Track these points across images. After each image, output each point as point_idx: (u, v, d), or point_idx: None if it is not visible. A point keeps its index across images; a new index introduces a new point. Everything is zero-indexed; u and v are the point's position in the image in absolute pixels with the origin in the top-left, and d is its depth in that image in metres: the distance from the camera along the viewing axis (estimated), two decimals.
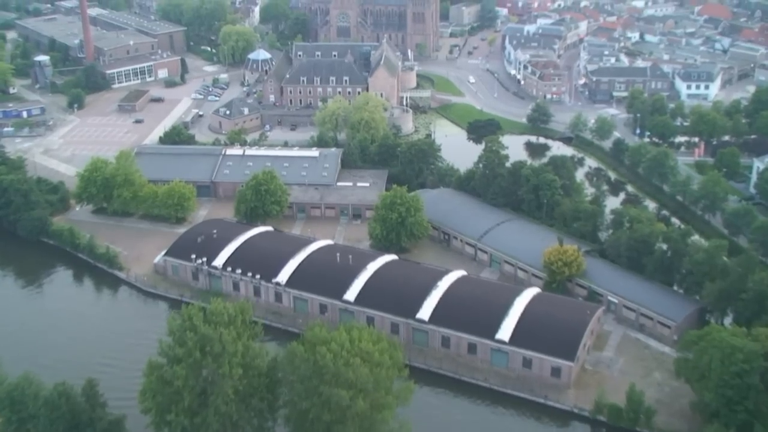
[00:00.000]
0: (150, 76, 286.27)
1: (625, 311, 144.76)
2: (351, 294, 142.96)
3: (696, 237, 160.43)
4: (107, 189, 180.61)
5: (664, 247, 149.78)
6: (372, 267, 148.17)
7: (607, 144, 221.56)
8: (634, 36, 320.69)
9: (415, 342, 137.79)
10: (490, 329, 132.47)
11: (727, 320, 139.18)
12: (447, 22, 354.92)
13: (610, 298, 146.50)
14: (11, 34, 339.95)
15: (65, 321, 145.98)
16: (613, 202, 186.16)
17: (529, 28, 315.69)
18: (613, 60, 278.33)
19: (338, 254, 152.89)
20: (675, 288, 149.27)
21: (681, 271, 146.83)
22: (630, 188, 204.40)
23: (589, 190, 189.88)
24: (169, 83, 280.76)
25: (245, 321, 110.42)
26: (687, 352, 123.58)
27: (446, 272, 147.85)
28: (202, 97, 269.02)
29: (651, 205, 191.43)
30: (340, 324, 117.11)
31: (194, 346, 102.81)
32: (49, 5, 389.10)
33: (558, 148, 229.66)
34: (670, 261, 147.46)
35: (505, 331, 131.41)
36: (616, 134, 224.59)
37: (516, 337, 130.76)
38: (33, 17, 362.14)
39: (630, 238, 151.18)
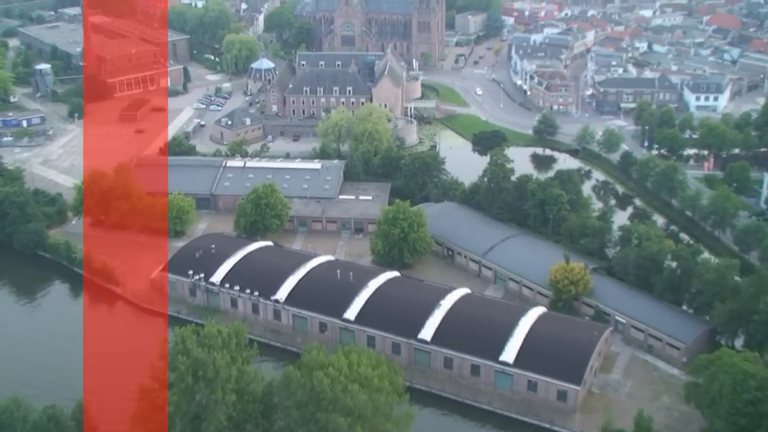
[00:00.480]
0: (152, 85, 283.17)
1: (633, 332, 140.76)
2: (351, 312, 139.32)
3: (705, 255, 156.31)
4: (105, 201, 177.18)
5: (674, 265, 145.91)
6: (373, 284, 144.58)
7: (615, 157, 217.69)
8: (642, 46, 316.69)
9: (416, 363, 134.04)
10: (493, 350, 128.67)
11: (739, 342, 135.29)
12: (453, 31, 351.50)
13: (617, 317, 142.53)
14: (14, 42, 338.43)
15: (59, 339, 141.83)
16: (620, 217, 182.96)
17: (536, 38, 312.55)
18: (620, 71, 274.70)
19: (339, 271, 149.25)
20: (684, 307, 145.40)
21: (690, 290, 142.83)
22: (638, 202, 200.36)
23: (597, 204, 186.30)
24: (171, 92, 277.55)
25: (240, 344, 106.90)
26: (697, 376, 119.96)
27: (449, 290, 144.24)
28: (204, 106, 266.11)
29: (659, 220, 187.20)
30: (339, 347, 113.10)
31: (186, 370, 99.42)
32: (52, 13, 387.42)
33: (564, 161, 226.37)
34: (680, 280, 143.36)
35: (509, 353, 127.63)
36: (624, 147, 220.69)
37: (521, 359, 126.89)
38: (36, 24, 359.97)
39: (638, 256, 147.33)
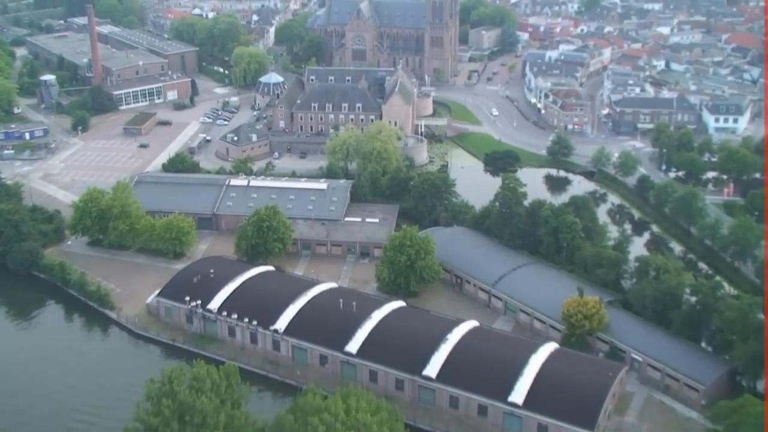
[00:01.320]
0: (159, 98, 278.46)
1: (649, 370, 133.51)
2: (353, 345, 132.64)
3: (726, 289, 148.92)
4: (103, 221, 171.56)
5: (693, 300, 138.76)
6: (377, 315, 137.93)
7: (632, 180, 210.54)
8: (660, 64, 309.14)
9: (420, 400, 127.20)
10: (502, 390, 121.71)
11: (761, 384, 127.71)
12: (466, 46, 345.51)
13: (633, 355, 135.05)
14: (21, 51, 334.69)
15: (47, 369, 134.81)
16: (637, 243, 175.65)
17: (551, 54, 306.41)
18: (637, 90, 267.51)
19: (342, 300, 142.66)
20: (703, 344, 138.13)
21: (710, 327, 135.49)
22: (655, 228, 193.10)
23: (612, 228, 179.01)
24: (178, 106, 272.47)
25: (231, 385, 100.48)
26: (717, 422, 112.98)
27: (457, 323, 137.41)
28: (210, 120, 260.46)
29: (677, 247, 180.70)
30: (337, 390, 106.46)
31: (171, 415, 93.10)
32: (62, 22, 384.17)
33: (579, 183, 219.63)
34: (699, 316, 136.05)
35: (518, 393, 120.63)
36: (641, 170, 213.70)
37: (530, 401, 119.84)
38: (45, 34, 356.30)
39: (656, 290, 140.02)
